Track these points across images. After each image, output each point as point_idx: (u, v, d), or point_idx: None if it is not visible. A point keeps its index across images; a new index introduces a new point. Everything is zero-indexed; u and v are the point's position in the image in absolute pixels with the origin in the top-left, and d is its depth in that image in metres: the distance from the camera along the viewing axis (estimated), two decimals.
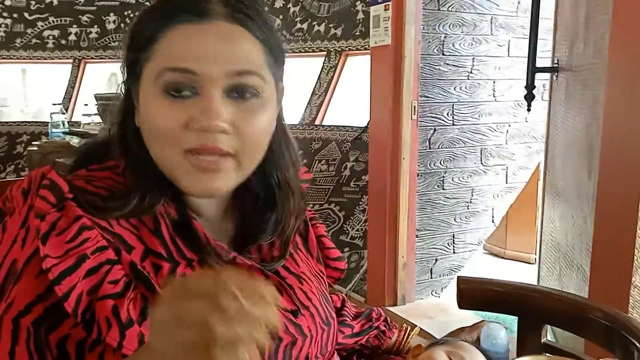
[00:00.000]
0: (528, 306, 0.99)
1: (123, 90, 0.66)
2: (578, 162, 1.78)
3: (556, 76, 2.21)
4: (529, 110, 2.22)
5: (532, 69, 2.14)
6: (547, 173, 2.34)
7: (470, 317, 2.35)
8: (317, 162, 3.25)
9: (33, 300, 0.54)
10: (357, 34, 3.18)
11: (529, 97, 2.17)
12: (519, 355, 0.99)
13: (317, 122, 3.35)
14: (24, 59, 4.07)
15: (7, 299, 0.54)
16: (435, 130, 2.56)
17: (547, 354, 0.93)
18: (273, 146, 0.68)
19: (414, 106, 2.42)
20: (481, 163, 2.75)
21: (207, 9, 0.60)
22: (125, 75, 0.66)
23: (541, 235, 2.36)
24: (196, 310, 0.41)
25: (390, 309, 2.50)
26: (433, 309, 2.54)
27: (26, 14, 4.03)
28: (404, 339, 0.93)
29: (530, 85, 2.16)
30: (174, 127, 0.59)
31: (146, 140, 0.63)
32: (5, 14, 4.02)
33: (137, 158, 0.63)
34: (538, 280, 2.30)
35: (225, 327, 0.40)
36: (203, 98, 0.59)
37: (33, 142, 3.43)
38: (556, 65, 2.20)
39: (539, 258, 2.37)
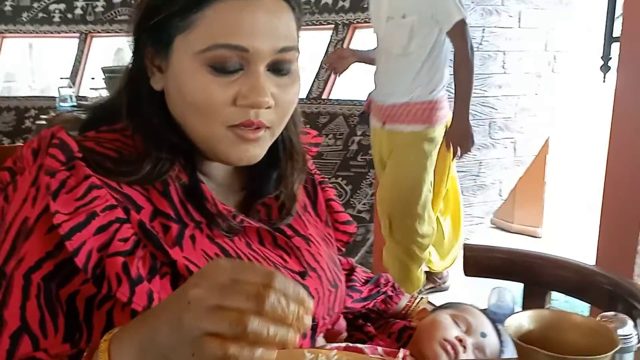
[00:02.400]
0: (533, 273, 1.00)
1: (134, 51, 0.65)
2: None
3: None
4: (604, 81, 2.12)
5: (609, 39, 2.02)
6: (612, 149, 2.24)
7: (476, 285, 2.36)
8: (324, 136, 3.25)
9: (43, 256, 0.55)
10: (365, 6, 3.13)
11: (605, 69, 2.08)
12: None
13: (324, 96, 3.34)
14: (31, 33, 4.06)
15: (17, 256, 0.55)
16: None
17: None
18: None
19: None
20: (489, 136, 2.74)
21: None
22: (138, 35, 0.63)
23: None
24: (238, 299, 0.42)
25: None
26: None
27: None
28: (413, 306, 0.94)
29: (606, 56, 2.05)
30: (220, 104, 0.60)
31: (180, 109, 0.62)
32: None
33: (150, 122, 0.63)
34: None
35: (260, 325, 0.41)
36: (250, 74, 0.60)
37: (41, 116, 3.45)
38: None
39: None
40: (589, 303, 0.92)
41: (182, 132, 0.64)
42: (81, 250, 0.54)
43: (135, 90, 0.65)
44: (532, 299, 1.01)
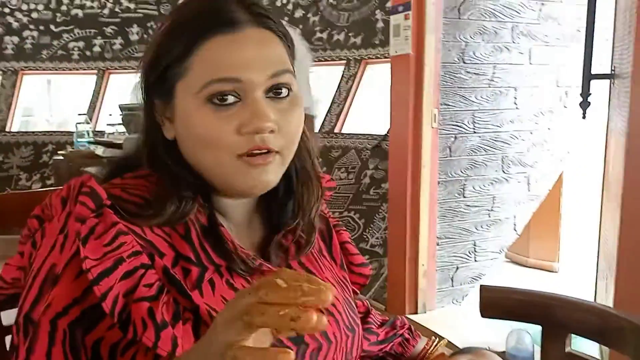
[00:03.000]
0: (552, 315, 0.98)
1: (145, 108, 0.68)
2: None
3: (613, 83, 2.16)
4: (584, 117, 2.16)
5: (588, 76, 2.09)
6: (606, 181, 2.29)
7: (491, 326, 2.33)
8: (336, 170, 3.26)
9: (70, 303, 0.56)
10: (376, 42, 3.19)
11: (585, 105, 2.12)
12: None
13: (336, 130, 3.37)
14: (50, 70, 4.17)
15: (45, 302, 0.56)
16: (456, 138, 2.56)
17: None
18: None
19: (435, 114, 2.43)
20: (502, 171, 2.74)
21: (235, 19, 0.63)
22: (145, 93, 0.68)
23: (599, 245, 2.30)
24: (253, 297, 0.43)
25: (411, 317, 2.49)
26: (454, 318, 2.53)
27: (52, 26, 4.14)
28: (430, 350, 0.93)
29: (585, 92, 2.11)
30: (226, 135, 0.62)
31: (191, 150, 0.65)
32: (32, 27, 4.13)
33: (169, 169, 0.66)
34: (595, 295, 2.23)
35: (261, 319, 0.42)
36: (248, 103, 0.62)
37: (58, 152, 3.51)
38: (613, 71, 2.15)
39: (597, 268, 2.31)
40: (609, 347, 0.90)
41: (198, 174, 0.66)
42: (108, 295, 0.55)
43: (151, 141, 0.68)
44: (552, 341, 0.99)
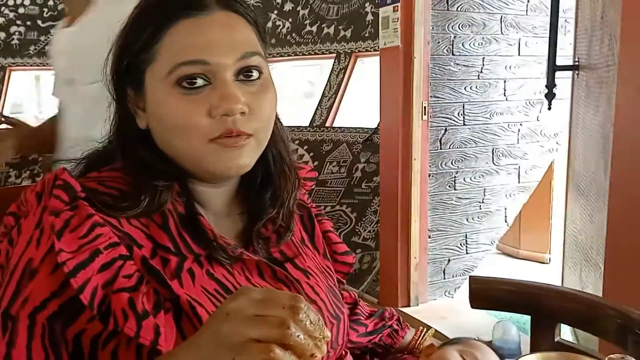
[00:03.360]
0: (541, 305, 0.98)
1: (115, 97, 0.68)
2: (596, 161, 1.77)
3: (577, 74, 2.18)
4: (549, 108, 2.20)
5: (552, 67, 2.12)
6: (570, 172, 2.32)
7: (483, 317, 2.34)
8: (328, 163, 3.26)
9: (47, 297, 0.56)
10: (366, 35, 3.18)
11: (550, 96, 2.15)
12: (532, 353, 0.99)
13: (327, 124, 3.36)
14: (38, 65, 4.12)
15: (22, 296, 0.56)
16: (446, 130, 2.56)
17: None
18: None
19: (425, 107, 2.43)
20: (493, 163, 2.74)
21: (202, 3, 0.63)
22: (113, 84, 0.67)
23: (565, 235, 2.34)
24: (274, 314, 0.47)
25: (403, 309, 2.50)
26: (446, 310, 2.54)
27: (39, 22, 4.09)
28: (419, 340, 0.93)
29: (550, 84, 2.14)
30: (196, 119, 0.62)
31: (163, 137, 0.65)
32: (18, 22, 4.07)
33: (143, 159, 0.65)
34: (562, 280, 2.28)
35: (296, 335, 0.46)
36: (218, 85, 0.62)
37: None
38: (577, 63, 2.17)
39: (563, 257, 2.35)
40: (597, 336, 0.91)
41: (173, 162, 0.66)
42: (86, 288, 0.54)
43: (124, 132, 0.67)
44: (541, 331, 0.99)
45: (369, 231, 3.03)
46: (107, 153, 0.70)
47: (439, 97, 2.51)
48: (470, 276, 1.05)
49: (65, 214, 0.57)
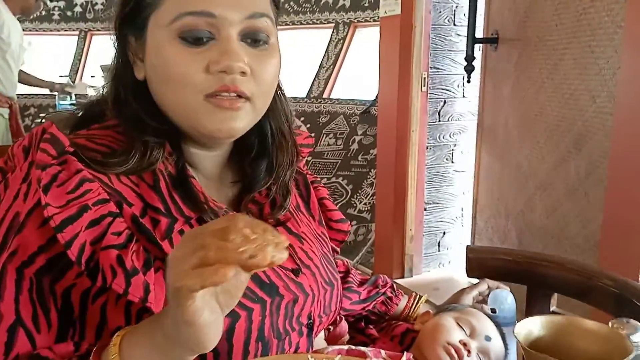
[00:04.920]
0: (537, 275, 0.98)
1: (117, 46, 0.66)
2: (548, 139, 1.83)
3: (495, 47, 2.17)
4: (469, 81, 2.22)
5: (472, 39, 2.12)
6: (482, 148, 2.34)
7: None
8: (324, 135, 3.23)
9: (35, 251, 0.54)
10: (366, 5, 3.12)
11: (469, 68, 2.15)
12: None
13: (325, 96, 3.32)
14: (30, 31, 4.05)
15: (9, 249, 0.55)
16: (445, 102, 2.53)
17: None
18: None
19: (424, 77, 2.39)
20: None
21: None
22: (120, 29, 0.65)
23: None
24: (211, 238, 0.43)
25: (397, 281, 2.51)
26: (440, 281, 2.55)
27: None
28: (413, 306, 0.92)
29: (470, 57, 2.14)
30: (194, 72, 0.59)
31: (159, 88, 0.63)
32: None
33: (135, 115, 0.63)
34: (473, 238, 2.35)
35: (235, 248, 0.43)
36: (221, 41, 0.60)
37: (40, 115, 3.44)
38: (495, 36, 2.16)
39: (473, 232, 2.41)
40: (594, 306, 0.91)
41: (166, 119, 0.64)
42: (74, 243, 0.53)
43: (120, 82, 0.65)
44: (536, 301, 0.99)
45: (365, 203, 3.03)
46: (97, 111, 0.68)
47: (439, 68, 2.47)
48: (467, 246, 1.05)
49: (53, 169, 0.55)
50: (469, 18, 2.10)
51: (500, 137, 2.16)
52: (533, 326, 0.53)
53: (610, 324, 0.59)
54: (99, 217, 0.56)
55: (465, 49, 2.15)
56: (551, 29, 1.78)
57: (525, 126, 1.96)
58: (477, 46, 2.16)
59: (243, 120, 0.62)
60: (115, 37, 0.65)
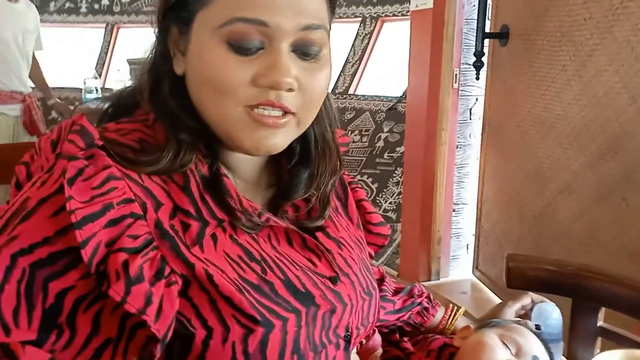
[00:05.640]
0: (584, 287, 0.91)
1: (159, 35, 0.61)
2: (574, 140, 1.73)
3: (505, 43, 2.10)
4: (477, 78, 2.14)
5: (482, 34, 2.06)
6: (488, 148, 2.26)
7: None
8: (350, 132, 3.18)
9: (38, 241, 0.50)
10: None
11: (479, 65, 2.10)
12: (571, 338, 0.92)
13: (350, 92, 3.26)
14: (58, 23, 4.08)
15: (10, 233, 0.50)
16: (477, 100, 2.45)
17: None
18: None
19: (456, 74, 2.31)
20: None
21: None
22: (162, 18, 0.60)
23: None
24: None
25: (424, 283, 2.44)
26: (467, 285, 2.48)
27: None
28: (450, 319, 0.87)
29: (479, 53, 2.07)
30: (239, 82, 0.55)
31: (198, 92, 0.58)
32: None
33: (171, 110, 0.59)
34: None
35: None
36: (271, 52, 0.56)
37: None
38: (505, 31, 2.08)
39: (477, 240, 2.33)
40: None
41: (202, 120, 0.59)
42: (89, 243, 0.49)
43: (158, 74, 0.61)
44: (582, 316, 0.93)
45: (390, 202, 2.97)
46: (125, 102, 0.64)
47: (471, 65, 2.39)
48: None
49: (79, 162, 0.51)
50: (478, 11, 2.03)
51: (512, 137, 2.06)
52: None
53: None
54: (119, 216, 0.52)
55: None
56: (578, 24, 1.66)
57: (544, 126, 1.84)
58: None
59: (285, 136, 0.59)
60: (157, 25, 0.61)
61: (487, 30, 2.12)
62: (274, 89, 0.55)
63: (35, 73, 3.00)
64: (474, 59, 2.15)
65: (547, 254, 1.81)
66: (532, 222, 1.95)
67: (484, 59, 2.12)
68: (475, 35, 2.09)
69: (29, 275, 0.50)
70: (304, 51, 0.57)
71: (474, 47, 2.36)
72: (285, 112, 0.57)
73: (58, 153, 0.53)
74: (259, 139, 0.57)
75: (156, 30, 0.61)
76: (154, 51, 0.62)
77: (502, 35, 2.07)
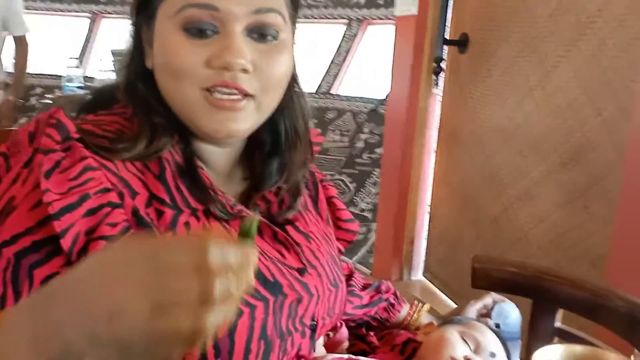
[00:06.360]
0: (544, 289, 0.95)
1: (132, 34, 0.65)
2: (533, 149, 1.76)
3: (464, 50, 2.13)
4: (437, 84, 2.18)
5: (442, 41, 2.10)
6: (442, 153, 2.31)
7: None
8: (330, 132, 3.21)
9: (21, 232, 0.52)
10: (380, 2, 3.09)
11: (438, 70, 2.15)
12: (530, 337, 0.96)
13: (332, 91, 3.29)
14: (42, 10, 4.03)
15: None
16: None
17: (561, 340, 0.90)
18: (284, 93, 0.66)
19: (435, 79, 2.36)
20: None
21: None
22: (135, 17, 0.64)
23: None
24: (186, 264, 0.36)
25: (396, 283, 2.49)
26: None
27: None
28: (414, 315, 0.90)
29: (439, 59, 2.12)
30: (194, 65, 0.58)
31: (161, 79, 0.61)
32: None
33: (144, 100, 0.62)
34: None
35: (220, 284, 0.36)
36: (224, 36, 0.58)
37: (46, 95, 3.42)
38: (465, 39, 2.12)
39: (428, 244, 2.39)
40: (602, 325, 0.88)
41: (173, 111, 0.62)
42: (68, 232, 0.51)
43: (132, 69, 0.64)
44: (541, 316, 0.97)
45: (367, 202, 3.00)
46: (106, 97, 0.67)
47: None
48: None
49: (56, 154, 0.54)
50: (439, 18, 2.07)
51: (469, 142, 2.10)
52: (553, 355, 0.51)
53: (632, 357, 0.56)
54: (97, 206, 0.54)
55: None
56: (543, 36, 1.69)
57: (504, 133, 1.87)
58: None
59: (245, 121, 0.61)
60: (131, 23, 0.65)
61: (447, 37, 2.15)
62: (227, 70, 0.57)
63: (17, 58, 2.89)
64: None
65: (504, 257, 1.83)
66: (486, 226, 1.98)
67: (443, 65, 2.16)
68: (437, 43, 2.13)
69: (14, 264, 0.52)
70: (259, 33, 0.59)
71: None
72: (244, 95, 0.59)
73: (36, 147, 0.55)
74: (218, 122, 0.59)
75: (131, 28, 0.65)
76: (129, 48, 0.65)
77: (460, 43, 2.12)
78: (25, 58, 2.88)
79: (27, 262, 0.52)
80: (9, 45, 2.89)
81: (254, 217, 0.42)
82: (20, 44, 2.84)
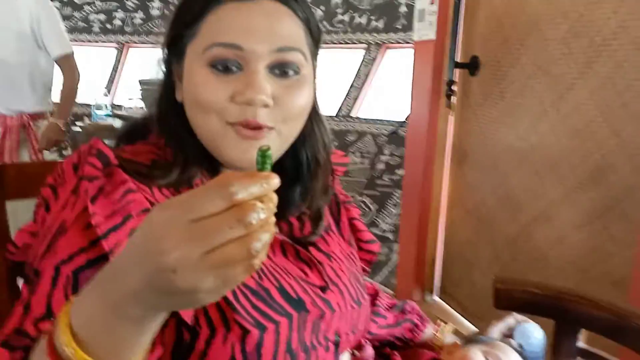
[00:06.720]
0: (566, 310, 0.97)
1: (164, 69, 0.70)
2: (550, 170, 1.76)
3: (475, 72, 2.15)
4: (449, 106, 2.20)
5: (453, 64, 2.11)
6: (456, 175, 2.31)
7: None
8: (351, 154, 3.25)
9: (75, 251, 0.57)
10: (398, 27, 3.14)
11: (450, 93, 2.17)
12: (553, 358, 0.97)
13: (352, 114, 3.34)
14: (70, 41, 4.17)
15: (53, 250, 0.57)
16: None
17: None
18: (305, 124, 0.70)
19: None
20: None
21: None
22: (166, 53, 0.69)
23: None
24: (219, 209, 0.39)
25: (418, 304, 2.48)
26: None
27: None
28: (438, 335, 0.92)
29: (451, 81, 2.13)
30: (219, 100, 0.63)
31: (189, 112, 0.66)
32: None
33: (176, 132, 0.67)
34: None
35: (253, 215, 0.39)
36: (248, 73, 0.63)
37: (76, 123, 3.53)
38: (475, 62, 2.14)
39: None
40: (625, 346, 0.89)
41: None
42: (116, 250, 0.56)
43: (164, 103, 0.69)
44: (564, 337, 0.98)
45: (389, 223, 3.02)
46: (142, 127, 0.72)
47: None
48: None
49: (99, 181, 0.58)
50: (451, 41, 2.10)
51: (483, 164, 2.11)
52: None
53: None
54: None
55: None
56: (556, 58, 1.70)
57: (518, 155, 1.88)
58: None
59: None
60: (162, 59, 0.70)
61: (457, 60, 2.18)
62: (249, 105, 0.62)
63: (64, 80, 2.60)
64: None
65: (522, 276, 1.84)
66: (504, 248, 1.98)
67: (455, 87, 2.19)
68: (447, 66, 2.15)
69: (73, 279, 0.57)
70: (281, 70, 0.64)
71: None
72: (263, 128, 0.63)
73: (81, 176, 0.60)
74: (243, 151, 0.64)
75: (162, 63, 0.70)
76: (161, 82, 0.70)
77: (471, 66, 2.15)
78: (71, 80, 2.59)
79: (84, 277, 0.57)
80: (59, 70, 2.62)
81: (264, 147, 0.44)
82: (63, 65, 2.57)
